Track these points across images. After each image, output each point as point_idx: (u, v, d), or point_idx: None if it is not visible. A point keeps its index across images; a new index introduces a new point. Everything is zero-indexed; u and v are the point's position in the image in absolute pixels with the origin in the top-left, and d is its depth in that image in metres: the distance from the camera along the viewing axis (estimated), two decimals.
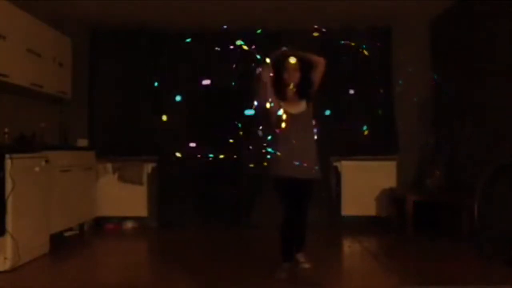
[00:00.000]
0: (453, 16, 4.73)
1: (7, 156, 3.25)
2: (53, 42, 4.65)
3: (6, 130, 4.02)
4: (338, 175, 5.19)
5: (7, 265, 3.24)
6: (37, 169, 3.62)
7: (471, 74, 4.37)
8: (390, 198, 5.00)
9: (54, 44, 4.67)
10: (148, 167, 5.21)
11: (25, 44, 4.08)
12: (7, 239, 3.24)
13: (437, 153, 4.96)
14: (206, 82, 2.75)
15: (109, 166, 5.17)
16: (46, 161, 3.77)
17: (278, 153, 2.94)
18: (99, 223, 5.06)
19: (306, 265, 3.19)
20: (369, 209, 5.12)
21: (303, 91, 3.15)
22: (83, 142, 5.01)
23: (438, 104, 5.11)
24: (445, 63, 4.97)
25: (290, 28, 4.92)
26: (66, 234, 4.48)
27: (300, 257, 3.22)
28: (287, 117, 2.97)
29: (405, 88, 5.16)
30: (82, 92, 5.24)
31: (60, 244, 4.11)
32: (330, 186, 5.21)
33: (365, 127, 3.80)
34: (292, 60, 3.04)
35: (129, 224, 5.05)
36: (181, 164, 5.10)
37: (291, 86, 3.12)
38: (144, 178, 5.19)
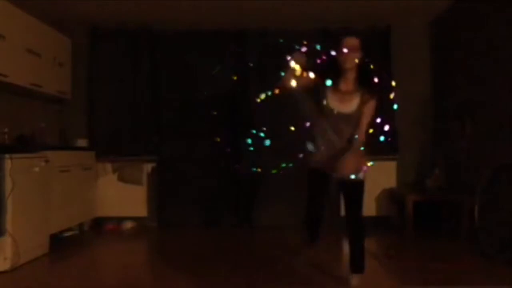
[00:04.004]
0: (453, 16, 4.72)
1: (7, 156, 3.25)
2: (53, 42, 4.65)
3: (6, 130, 4.02)
4: None
5: (7, 265, 3.24)
6: (36, 169, 3.62)
7: (471, 74, 4.37)
8: (390, 198, 5.00)
9: (54, 44, 4.67)
10: (148, 167, 5.21)
11: (25, 44, 4.09)
12: (7, 239, 3.24)
13: (437, 153, 4.96)
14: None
15: (109, 166, 5.17)
16: (46, 161, 3.77)
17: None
18: (99, 223, 5.05)
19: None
20: (369, 209, 5.10)
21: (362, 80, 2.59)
22: (83, 142, 5.00)
23: (438, 104, 5.11)
24: (445, 63, 4.97)
25: (290, 28, 4.92)
26: (66, 234, 4.48)
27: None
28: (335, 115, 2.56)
29: (405, 88, 5.17)
30: (82, 92, 5.24)
31: (60, 244, 4.12)
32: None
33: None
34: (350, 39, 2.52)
35: (128, 224, 5.05)
36: (181, 164, 5.10)
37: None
38: (144, 178, 5.18)
